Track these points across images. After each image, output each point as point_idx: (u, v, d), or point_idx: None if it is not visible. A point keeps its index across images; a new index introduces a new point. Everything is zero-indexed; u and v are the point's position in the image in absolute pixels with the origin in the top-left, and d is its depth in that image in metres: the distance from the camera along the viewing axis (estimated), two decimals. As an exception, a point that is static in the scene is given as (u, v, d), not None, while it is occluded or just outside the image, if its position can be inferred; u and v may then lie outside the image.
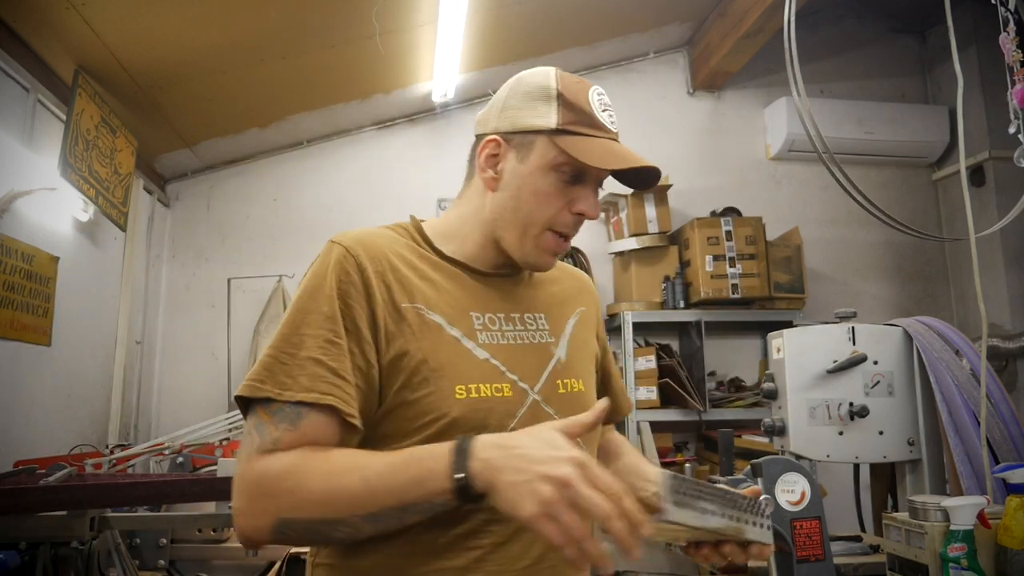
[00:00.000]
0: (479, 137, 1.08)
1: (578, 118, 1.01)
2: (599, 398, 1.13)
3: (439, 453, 0.82)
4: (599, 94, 1.05)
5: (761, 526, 0.93)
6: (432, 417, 0.93)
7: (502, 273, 1.10)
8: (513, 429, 0.95)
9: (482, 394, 0.96)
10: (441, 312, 1.00)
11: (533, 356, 1.05)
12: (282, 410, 0.90)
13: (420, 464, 0.83)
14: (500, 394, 0.98)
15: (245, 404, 0.94)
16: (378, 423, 0.95)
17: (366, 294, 0.96)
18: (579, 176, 1.02)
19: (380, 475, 0.84)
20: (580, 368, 1.11)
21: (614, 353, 3.64)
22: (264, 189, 3.84)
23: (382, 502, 0.83)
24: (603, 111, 1.03)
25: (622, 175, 1.05)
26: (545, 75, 1.04)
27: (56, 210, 2.67)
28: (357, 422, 0.92)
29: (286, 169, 3.85)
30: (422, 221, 1.12)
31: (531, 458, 0.77)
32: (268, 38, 2.86)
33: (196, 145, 3.57)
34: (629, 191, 3.53)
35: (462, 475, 0.79)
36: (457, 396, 0.95)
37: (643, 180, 1.06)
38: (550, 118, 1.01)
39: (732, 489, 0.93)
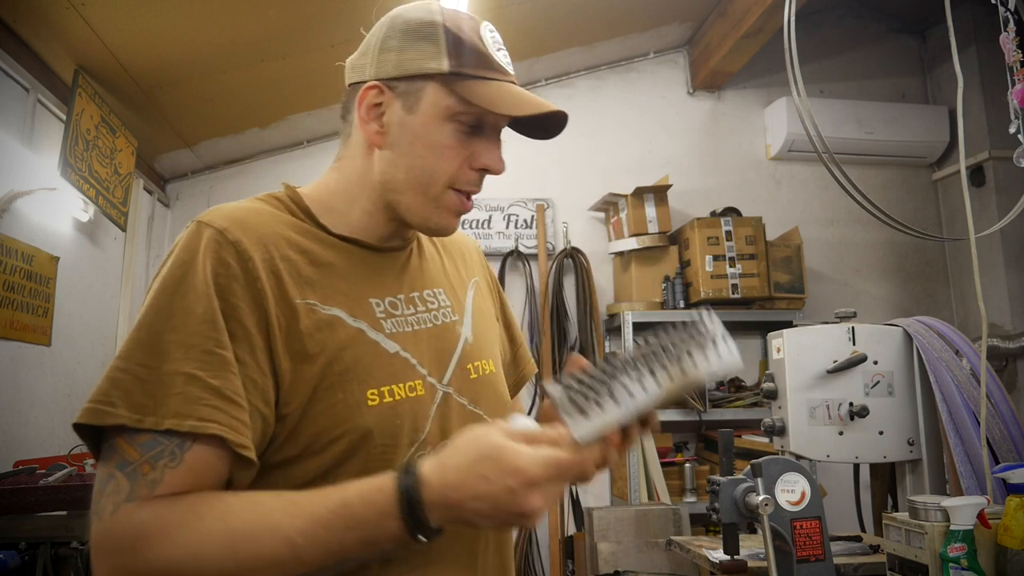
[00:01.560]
0: (353, 86, 0.91)
1: (471, 59, 0.87)
2: (506, 365, 1.10)
3: (382, 506, 0.69)
4: (491, 30, 0.91)
5: (711, 346, 0.82)
6: (341, 431, 0.79)
7: (394, 247, 0.94)
8: (427, 431, 0.85)
9: (396, 396, 0.83)
10: (338, 303, 0.84)
11: (440, 340, 0.92)
12: (155, 442, 0.70)
13: (362, 522, 0.69)
14: (413, 393, 0.85)
15: (92, 435, 0.73)
16: (278, 445, 0.79)
17: (253, 289, 0.78)
18: (479, 126, 0.88)
19: (307, 535, 0.68)
20: (488, 346, 1.00)
21: (612, 353, 3.64)
22: (264, 189, 3.75)
23: (316, 563, 0.69)
24: (498, 50, 0.90)
25: (523, 124, 0.92)
26: (427, 9, 0.89)
27: (56, 210, 2.67)
28: (251, 454, 0.74)
29: (286, 169, 3.85)
30: (296, 188, 0.95)
31: (492, 498, 0.68)
32: (268, 38, 2.86)
33: (196, 145, 3.57)
34: (629, 191, 3.53)
35: (421, 535, 0.69)
36: (369, 403, 0.81)
37: (546, 128, 0.93)
38: (440, 60, 0.86)
39: (650, 341, 0.81)
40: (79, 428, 0.73)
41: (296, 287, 0.82)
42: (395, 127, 0.88)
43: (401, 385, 0.84)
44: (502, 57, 0.90)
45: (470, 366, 0.94)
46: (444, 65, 0.86)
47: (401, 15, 0.90)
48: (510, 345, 1.13)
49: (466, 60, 0.86)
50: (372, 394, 0.81)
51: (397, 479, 0.70)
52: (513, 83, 0.90)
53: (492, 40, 0.90)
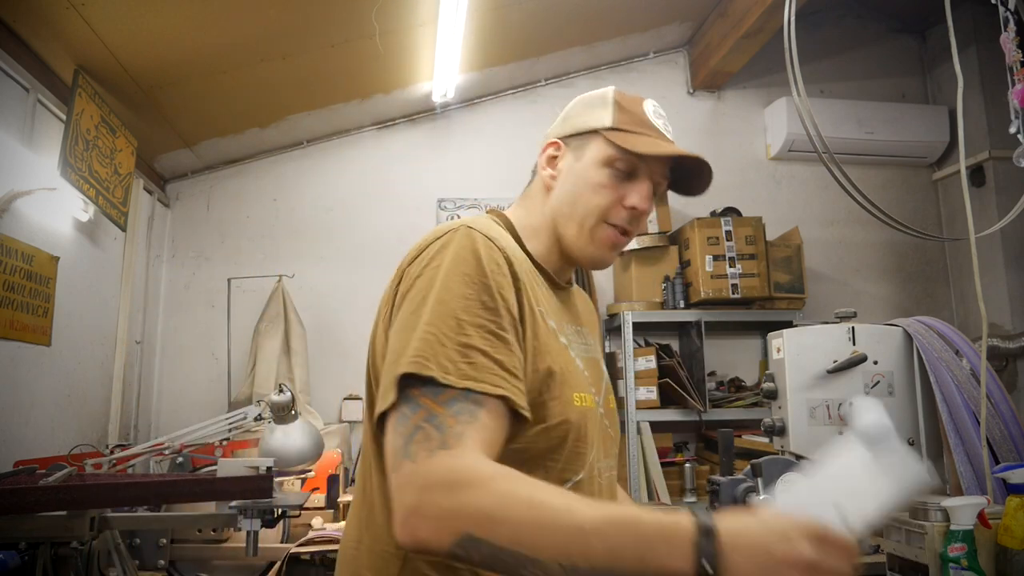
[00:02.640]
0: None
1: (632, 119, 1.06)
2: None
3: (677, 534, 0.72)
4: (654, 105, 1.10)
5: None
6: (557, 420, 0.93)
7: (566, 281, 1.14)
8: (593, 438, 1.00)
9: (586, 403, 1.00)
10: (552, 317, 1.01)
11: (594, 369, 1.09)
12: (455, 400, 0.80)
13: (649, 541, 0.72)
14: (591, 404, 1.02)
15: (398, 384, 0.82)
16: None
17: (515, 290, 0.93)
18: (632, 172, 1.05)
19: (599, 530, 0.72)
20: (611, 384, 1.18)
21: (612, 353, 3.64)
22: (264, 189, 3.83)
23: (594, 558, 0.72)
24: (657, 118, 1.08)
25: (680, 184, 1.10)
26: (604, 90, 1.11)
27: (56, 210, 2.67)
28: (529, 415, 0.87)
29: (286, 169, 3.85)
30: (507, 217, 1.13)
31: (770, 549, 0.71)
32: (268, 38, 2.86)
33: (196, 145, 3.57)
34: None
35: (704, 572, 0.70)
36: (575, 403, 0.97)
37: (697, 182, 1.09)
38: (605, 118, 1.07)
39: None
40: (402, 377, 0.82)
41: (533, 294, 0.98)
42: (565, 171, 1.08)
43: (586, 394, 1.00)
44: (661, 124, 1.08)
45: (610, 396, 1.14)
46: (607, 121, 1.06)
47: (585, 95, 1.13)
48: None
49: (626, 119, 1.06)
50: (577, 396, 0.97)
51: (695, 519, 0.73)
52: (668, 142, 1.07)
53: (653, 110, 1.09)
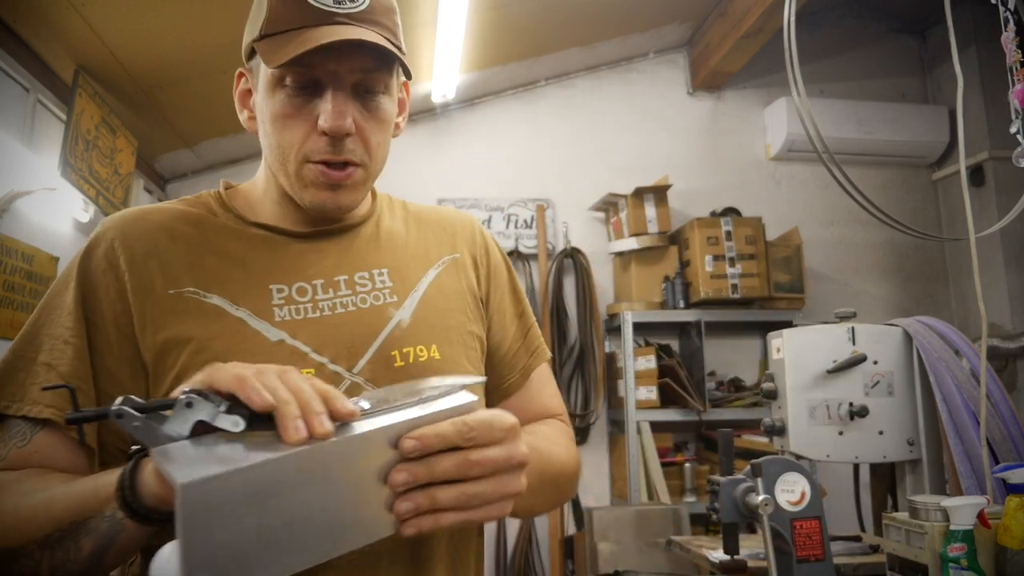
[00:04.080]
0: None
1: (284, 11, 0.80)
2: (508, 353, 1.00)
3: (106, 481, 0.67)
4: None
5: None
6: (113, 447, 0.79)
7: (330, 230, 0.91)
8: None
9: None
10: (224, 292, 0.83)
11: (358, 325, 0.85)
12: (15, 425, 0.78)
13: (101, 476, 0.68)
14: None
15: None
16: None
17: (118, 282, 0.82)
18: (313, 85, 0.82)
19: (64, 492, 0.70)
20: (436, 329, 0.89)
21: (612, 353, 3.64)
22: (264, 189, 3.84)
23: (56, 519, 0.68)
24: None
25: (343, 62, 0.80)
26: None
27: (56, 210, 2.67)
28: (88, 439, 0.78)
29: (286, 169, 3.86)
30: (235, 186, 0.97)
31: None
32: (268, 38, 2.86)
33: (196, 145, 3.57)
34: (629, 191, 3.53)
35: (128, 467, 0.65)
36: None
37: (372, 61, 0.82)
38: (257, 25, 0.83)
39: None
40: None
41: (169, 278, 0.83)
42: (258, 108, 0.88)
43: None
44: None
45: (396, 352, 0.85)
46: (258, 29, 0.82)
47: None
48: (514, 329, 1.03)
49: (278, 13, 0.81)
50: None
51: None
52: (338, 21, 0.80)
53: None
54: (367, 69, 0.82)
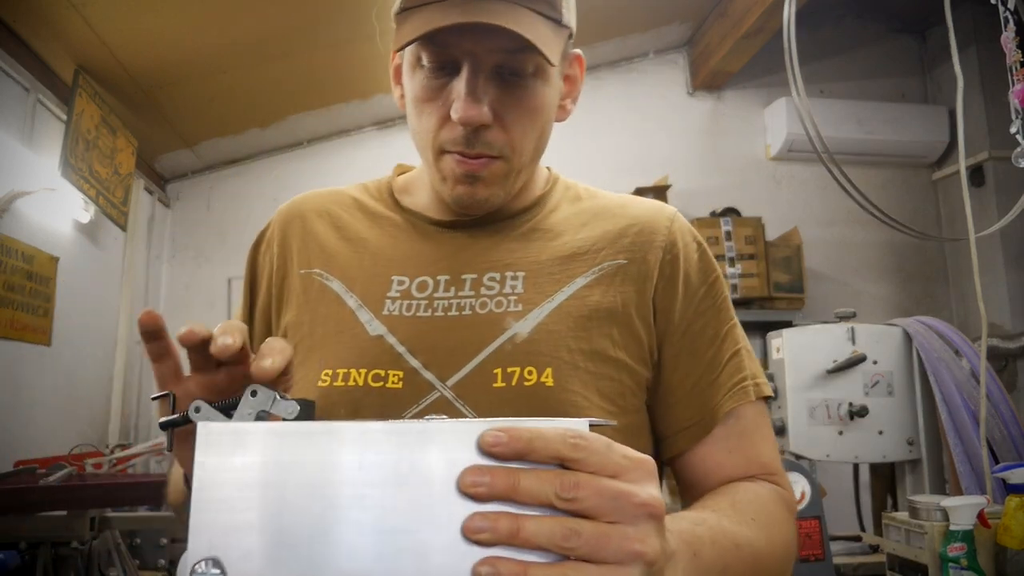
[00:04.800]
0: None
1: None
2: (676, 393, 0.78)
3: None
4: None
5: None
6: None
7: (482, 220, 0.81)
8: None
9: (351, 382, 0.72)
10: (346, 277, 0.78)
11: (468, 331, 0.74)
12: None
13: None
14: (380, 384, 0.71)
15: None
16: None
17: (270, 264, 0.85)
18: (452, 66, 0.72)
19: (175, 475, 0.78)
20: (558, 350, 0.73)
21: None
22: (264, 189, 3.83)
23: (177, 497, 0.77)
24: None
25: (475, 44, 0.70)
26: None
27: (56, 210, 2.67)
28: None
29: (286, 169, 3.85)
30: (409, 168, 0.92)
31: None
32: (268, 38, 2.86)
33: (196, 145, 3.57)
34: (629, 191, 3.53)
35: None
36: (320, 383, 0.73)
37: (505, 43, 0.70)
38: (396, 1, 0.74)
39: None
40: None
41: (303, 259, 0.82)
42: (406, 88, 0.79)
43: (365, 372, 0.72)
44: None
45: (499, 370, 0.71)
46: (397, 3, 0.74)
47: None
48: (709, 356, 0.79)
49: None
50: (327, 374, 0.73)
51: None
52: None
53: None
54: (510, 49, 0.70)
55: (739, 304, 3.49)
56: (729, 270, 3.42)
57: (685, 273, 0.80)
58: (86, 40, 2.52)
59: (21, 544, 1.76)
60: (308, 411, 0.53)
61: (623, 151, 3.95)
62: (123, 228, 3.09)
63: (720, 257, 3.43)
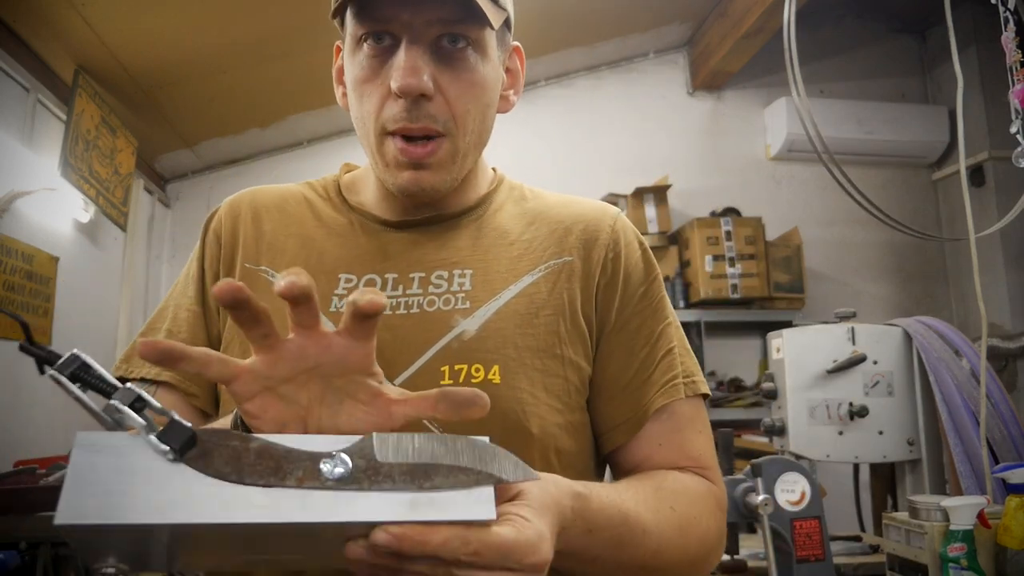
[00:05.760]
0: None
1: None
2: (612, 388, 0.79)
3: None
4: None
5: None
6: (230, 408, 0.67)
7: (427, 219, 0.80)
8: None
9: None
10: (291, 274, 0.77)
11: (415, 330, 0.74)
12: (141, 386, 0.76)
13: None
14: None
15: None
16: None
17: (218, 252, 0.83)
18: (391, 39, 0.72)
19: None
20: (505, 347, 0.74)
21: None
22: (264, 189, 3.84)
23: None
24: None
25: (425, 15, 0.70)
26: None
27: (56, 210, 2.68)
28: (198, 402, 0.77)
29: (286, 169, 3.85)
30: (356, 167, 0.92)
31: None
32: (268, 38, 2.86)
33: (196, 145, 3.57)
34: (629, 191, 3.53)
35: None
36: None
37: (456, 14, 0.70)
38: None
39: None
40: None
41: (250, 254, 0.82)
42: (348, 79, 0.78)
43: None
44: None
45: (446, 368, 0.72)
46: None
47: None
48: (645, 354, 0.80)
49: None
50: None
51: None
52: None
53: None
54: (448, 20, 0.70)
55: (739, 304, 3.49)
56: (729, 270, 3.42)
57: (626, 271, 0.81)
58: (86, 40, 2.53)
59: (21, 544, 1.76)
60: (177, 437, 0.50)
61: (623, 151, 3.95)
62: (123, 228, 3.09)
63: (720, 257, 3.43)
